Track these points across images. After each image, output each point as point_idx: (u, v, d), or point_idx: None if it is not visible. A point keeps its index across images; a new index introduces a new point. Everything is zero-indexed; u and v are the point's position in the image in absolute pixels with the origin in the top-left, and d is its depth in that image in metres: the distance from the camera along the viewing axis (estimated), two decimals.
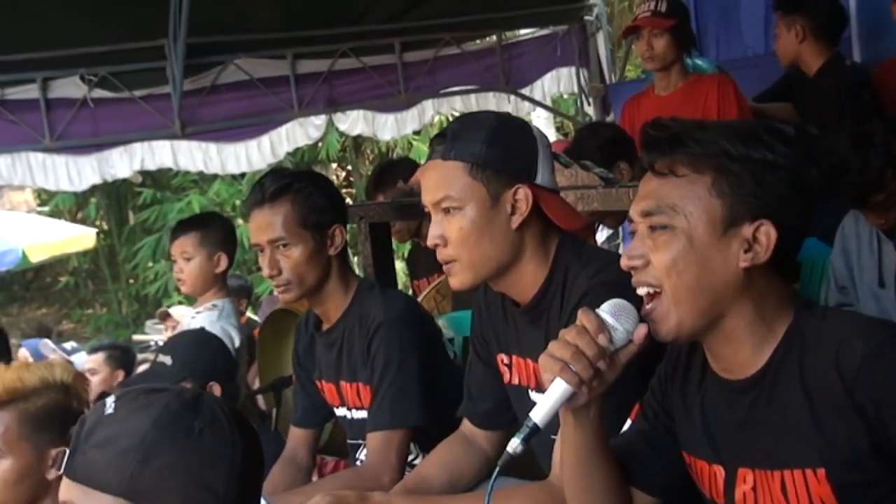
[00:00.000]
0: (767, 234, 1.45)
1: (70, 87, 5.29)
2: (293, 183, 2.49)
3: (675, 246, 1.46)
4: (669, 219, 1.47)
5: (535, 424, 1.50)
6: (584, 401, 1.53)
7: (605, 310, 1.52)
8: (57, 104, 5.27)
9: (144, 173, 10.49)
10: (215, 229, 3.67)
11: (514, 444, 1.50)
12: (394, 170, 4.39)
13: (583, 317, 1.50)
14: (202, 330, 3.19)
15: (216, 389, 2.81)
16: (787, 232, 1.46)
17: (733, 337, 1.49)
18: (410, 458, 2.53)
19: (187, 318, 3.74)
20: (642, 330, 1.51)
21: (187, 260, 3.64)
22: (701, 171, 1.47)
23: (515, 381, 2.13)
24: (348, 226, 2.72)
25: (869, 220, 2.95)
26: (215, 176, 10.75)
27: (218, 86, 5.58)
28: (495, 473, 1.53)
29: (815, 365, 1.43)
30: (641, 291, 1.51)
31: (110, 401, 1.32)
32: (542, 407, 1.50)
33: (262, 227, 2.48)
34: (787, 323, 1.48)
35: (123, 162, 5.46)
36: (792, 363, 1.46)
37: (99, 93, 5.32)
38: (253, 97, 5.70)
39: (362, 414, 2.55)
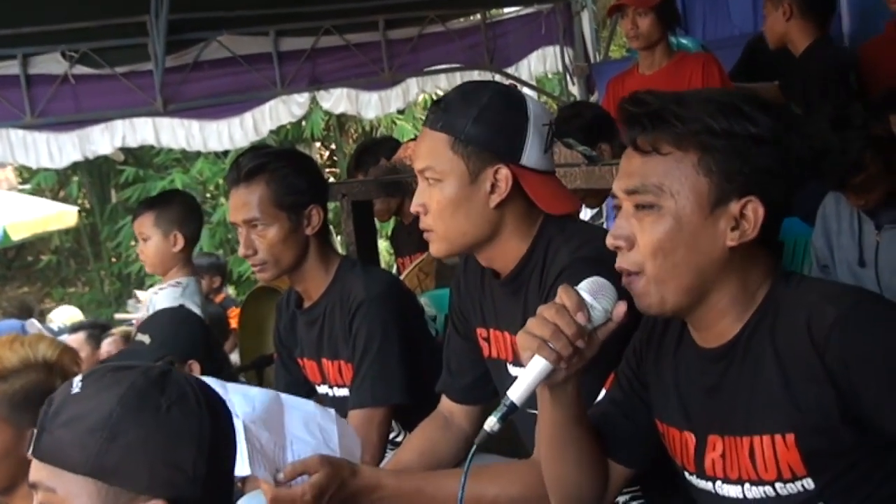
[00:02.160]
0: (755, 210, 1.43)
1: (51, 63, 5.26)
2: (269, 163, 2.47)
3: (662, 226, 1.45)
4: (656, 198, 1.45)
5: (512, 403, 1.49)
6: (562, 377, 1.53)
7: (584, 288, 1.51)
8: (38, 80, 5.25)
9: (127, 151, 10.43)
10: (171, 209, 3.68)
11: (492, 423, 1.50)
12: (375, 149, 4.37)
13: (563, 294, 1.49)
14: (181, 308, 3.18)
15: (195, 367, 2.79)
16: (774, 207, 1.45)
17: (718, 309, 1.49)
18: (392, 435, 2.53)
19: (150, 295, 3.75)
20: (621, 308, 1.50)
21: (145, 240, 3.69)
22: (685, 149, 1.45)
23: (494, 354, 2.12)
24: (333, 203, 2.71)
25: (849, 202, 2.96)
26: (198, 154, 10.70)
27: (200, 63, 5.55)
28: (472, 452, 1.53)
29: (787, 331, 1.43)
30: (624, 272, 1.50)
31: (77, 380, 1.31)
32: (520, 385, 1.50)
33: (238, 207, 2.48)
34: (765, 291, 1.48)
35: (105, 139, 5.44)
36: (764, 330, 1.46)
37: (80, 69, 5.30)
38: (235, 74, 5.69)
39: (344, 392, 2.54)
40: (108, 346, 5.55)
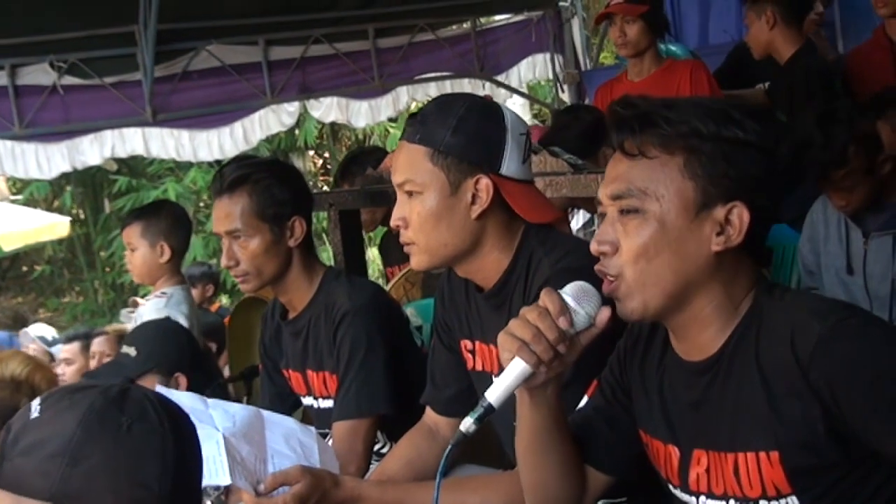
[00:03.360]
0: (740, 215, 1.42)
1: (39, 73, 5.23)
2: (252, 174, 2.46)
3: (646, 231, 1.43)
4: (640, 202, 1.44)
5: (489, 404, 1.47)
6: (542, 381, 1.51)
7: (568, 292, 1.50)
8: (26, 91, 5.22)
9: (120, 161, 10.41)
10: (159, 220, 3.68)
11: (468, 423, 1.48)
12: (362, 159, 4.36)
13: (546, 297, 1.47)
14: (168, 319, 3.16)
15: (182, 380, 2.78)
16: (760, 213, 1.43)
17: (699, 318, 1.47)
18: (377, 446, 2.52)
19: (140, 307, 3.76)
20: (605, 313, 1.49)
21: (132, 250, 3.69)
22: (672, 152, 1.43)
23: (479, 366, 2.11)
24: (322, 213, 2.70)
25: (832, 203, 2.94)
26: (191, 163, 10.68)
27: (189, 72, 5.53)
28: (447, 452, 1.51)
29: (771, 346, 1.41)
30: (606, 277, 1.48)
31: (35, 404, 1.28)
32: (499, 386, 1.48)
33: (221, 218, 2.47)
34: (749, 303, 1.46)
35: (94, 149, 5.42)
36: (748, 344, 1.44)
37: (69, 80, 5.27)
38: (225, 84, 5.67)
39: (329, 403, 2.53)
40: (98, 345, 5.52)
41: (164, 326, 3.04)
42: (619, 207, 1.46)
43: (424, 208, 1.90)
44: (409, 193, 1.92)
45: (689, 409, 1.51)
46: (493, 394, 1.48)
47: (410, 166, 1.91)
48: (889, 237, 2.88)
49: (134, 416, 1.26)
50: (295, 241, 2.48)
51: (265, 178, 2.45)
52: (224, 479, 1.93)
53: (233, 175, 2.46)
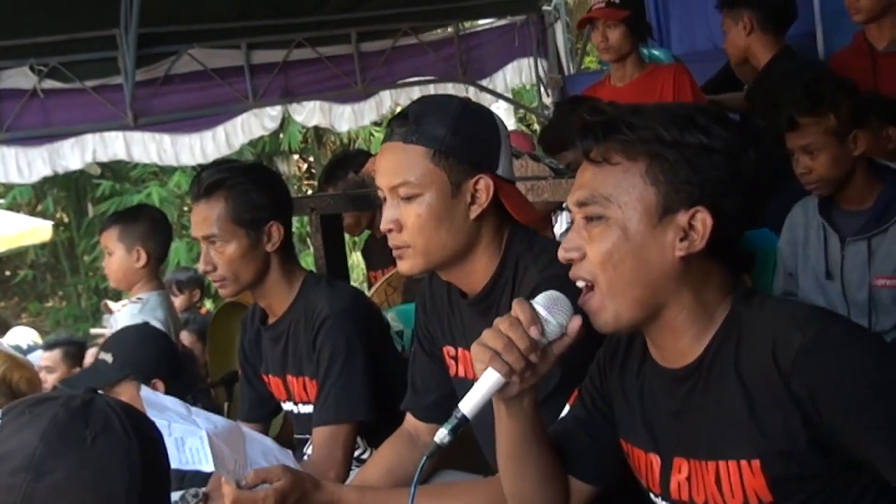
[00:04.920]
0: (703, 221, 1.41)
1: (20, 77, 5.20)
2: (228, 178, 2.45)
3: (609, 237, 1.44)
4: (603, 209, 1.44)
5: (463, 415, 1.47)
6: (516, 391, 1.51)
7: (540, 302, 1.50)
8: (6, 95, 5.19)
9: (103, 165, 10.35)
10: (136, 224, 3.66)
11: (442, 435, 1.48)
12: (346, 163, 4.34)
13: (517, 307, 1.48)
14: (146, 325, 3.14)
15: (160, 386, 2.75)
16: (725, 219, 1.42)
17: (673, 326, 1.47)
18: (357, 452, 2.50)
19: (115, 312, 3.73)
20: (576, 322, 1.48)
21: (109, 254, 3.67)
22: (634, 158, 1.44)
23: (462, 373, 2.10)
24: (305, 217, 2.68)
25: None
26: (175, 167, 10.63)
27: (171, 76, 5.51)
28: (421, 464, 1.51)
29: (752, 355, 1.40)
30: (579, 284, 1.49)
31: None
32: (472, 397, 1.48)
33: (198, 223, 2.46)
34: (726, 311, 1.46)
35: (75, 154, 5.39)
36: (728, 353, 1.44)
37: (49, 83, 5.24)
38: (207, 88, 5.65)
39: (309, 408, 2.51)
40: (46, 360, 5.48)
41: (142, 332, 3.02)
42: (584, 215, 1.47)
43: (424, 210, 1.87)
44: (404, 196, 1.89)
45: (669, 418, 1.51)
46: (467, 405, 1.48)
47: (407, 167, 1.88)
48: (864, 242, 2.88)
49: (98, 428, 1.24)
50: (272, 246, 2.46)
51: (241, 183, 2.44)
52: (208, 467, 1.97)
53: (209, 180, 2.45)
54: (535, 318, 1.47)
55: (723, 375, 1.43)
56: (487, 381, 1.47)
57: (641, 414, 1.56)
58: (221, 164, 2.59)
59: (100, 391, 1.35)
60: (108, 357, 2.81)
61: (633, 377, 1.58)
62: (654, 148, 1.42)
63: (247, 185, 2.44)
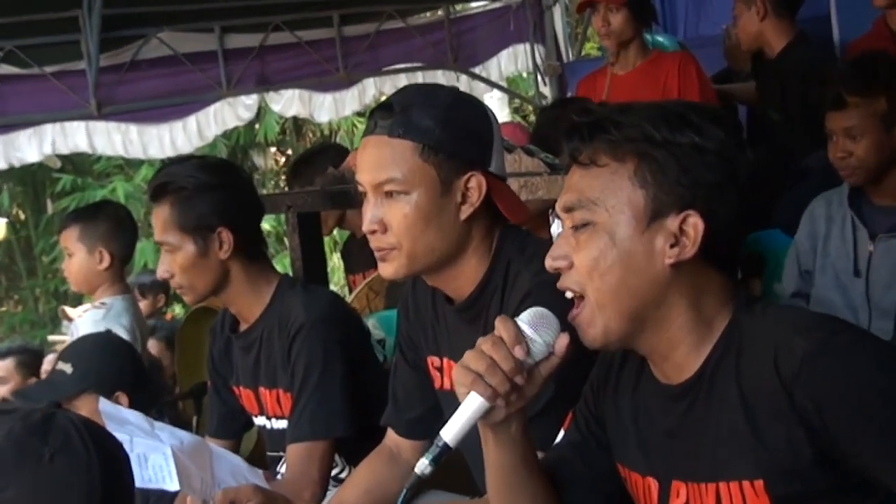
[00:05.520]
0: (695, 226, 1.42)
1: None
2: (171, 182, 2.46)
3: (596, 244, 1.44)
4: (591, 214, 1.45)
5: (445, 444, 1.47)
6: (503, 416, 1.51)
7: (525, 319, 1.49)
8: None
9: (64, 158, 10.33)
10: (98, 223, 3.64)
11: (423, 465, 1.47)
12: (314, 159, 4.33)
13: (500, 326, 1.48)
14: (108, 333, 3.13)
15: (123, 400, 2.75)
16: (719, 223, 1.43)
17: (667, 338, 1.47)
18: (335, 471, 2.51)
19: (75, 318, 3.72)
20: (563, 341, 1.48)
21: (69, 256, 3.66)
22: (622, 160, 1.44)
23: (447, 386, 2.09)
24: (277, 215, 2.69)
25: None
26: (142, 160, 10.61)
27: (138, 62, 5.51)
28: (402, 496, 1.50)
29: (753, 366, 1.41)
30: (568, 296, 1.49)
31: None
32: (455, 423, 1.47)
33: (154, 227, 2.48)
34: (725, 321, 1.46)
35: (32, 145, 5.38)
36: (728, 365, 1.44)
37: (5, 68, 5.24)
38: (177, 74, 5.66)
39: (283, 423, 2.51)
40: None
41: (103, 341, 3.01)
42: (572, 220, 1.47)
43: (412, 209, 1.87)
44: (389, 194, 1.88)
45: (665, 438, 1.51)
46: (449, 432, 1.47)
47: (393, 163, 1.87)
48: (894, 239, 2.89)
49: (57, 446, 1.24)
50: (224, 253, 2.45)
51: (185, 188, 2.44)
52: (172, 486, 1.98)
53: (155, 183, 2.48)
54: (520, 336, 1.47)
55: (723, 389, 1.44)
56: (470, 405, 1.46)
57: (636, 435, 1.56)
58: (171, 165, 2.61)
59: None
60: (67, 367, 2.80)
61: (628, 396, 1.59)
62: (643, 148, 1.43)
63: (191, 189, 2.44)
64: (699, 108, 1.48)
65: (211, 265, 2.45)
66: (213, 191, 2.46)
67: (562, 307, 1.51)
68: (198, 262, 2.44)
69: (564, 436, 1.70)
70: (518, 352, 1.46)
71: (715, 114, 1.47)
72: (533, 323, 1.49)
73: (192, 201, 2.43)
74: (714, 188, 1.42)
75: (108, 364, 2.87)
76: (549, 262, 1.49)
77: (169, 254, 2.46)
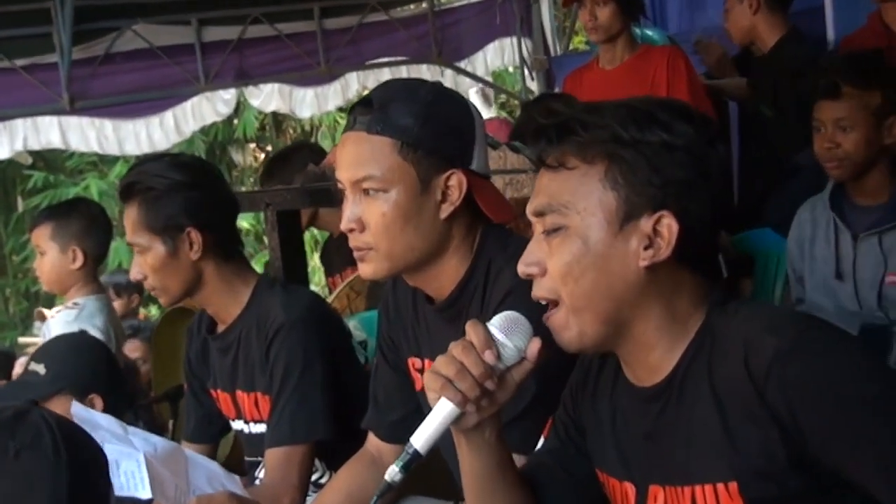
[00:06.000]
0: (669, 226, 1.43)
1: None
2: (138, 182, 2.47)
3: (568, 248, 1.45)
4: (562, 218, 1.46)
5: (415, 451, 1.48)
6: (474, 422, 1.52)
7: (496, 324, 1.51)
8: None
9: (35, 154, 10.31)
10: (71, 220, 3.65)
11: (393, 472, 1.48)
12: (291, 156, 4.33)
13: (470, 330, 1.49)
14: (83, 333, 3.13)
15: (97, 402, 2.76)
16: (693, 223, 1.44)
17: (642, 341, 1.48)
18: (315, 476, 2.51)
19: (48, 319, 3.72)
20: (535, 346, 1.50)
21: (41, 255, 3.66)
22: (592, 161, 1.45)
23: None
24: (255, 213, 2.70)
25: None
26: (116, 157, 10.59)
27: (112, 55, 5.52)
28: (372, 502, 1.52)
29: (725, 366, 1.42)
30: (542, 301, 1.50)
31: None
32: (425, 430, 1.48)
33: (126, 228, 2.49)
34: (699, 322, 1.47)
35: (2, 141, 5.39)
36: (701, 366, 1.45)
37: None
38: (153, 68, 5.66)
39: (261, 427, 2.51)
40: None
41: (78, 341, 3.01)
42: (543, 225, 1.48)
43: (390, 208, 1.88)
44: (367, 191, 1.89)
45: (642, 441, 1.52)
46: (419, 438, 1.48)
47: (371, 160, 1.88)
48: (875, 238, 2.93)
49: (25, 442, 1.25)
50: (195, 254, 2.46)
51: (152, 188, 2.45)
52: (145, 493, 1.99)
53: (123, 182, 2.49)
54: (490, 341, 1.48)
55: (696, 391, 1.45)
56: (441, 411, 1.48)
57: (613, 439, 1.57)
58: (145, 162, 2.61)
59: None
60: (40, 368, 2.81)
61: (606, 401, 1.60)
62: (612, 148, 1.44)
63: (159, 190, 2.44)
64: (668, 104, 1.49)
65: (182, 266, 2.46)
66: (181, 191, 2.46)
67: (541, 308, 1.52)
68: (168, 263, 2.45)
69: (544, 443, 1.72)
70: (488, 356, 1.47)
71: (684, 110, 1.48)
72: (504, 328, 1.50)
73: (161, 201, 2.44)
74: (685, 186, 1.43)
75: (83, 365, 2.87)
76: (522, 269, 1.50)
77: (140, 255, 2.47)
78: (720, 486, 1.42)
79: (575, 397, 1.66)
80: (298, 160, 4.16)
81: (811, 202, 3.10)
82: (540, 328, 1.51)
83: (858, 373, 1.36)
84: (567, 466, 1.65)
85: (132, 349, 4.72)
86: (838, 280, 2.99)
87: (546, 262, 1.47)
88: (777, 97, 3.83)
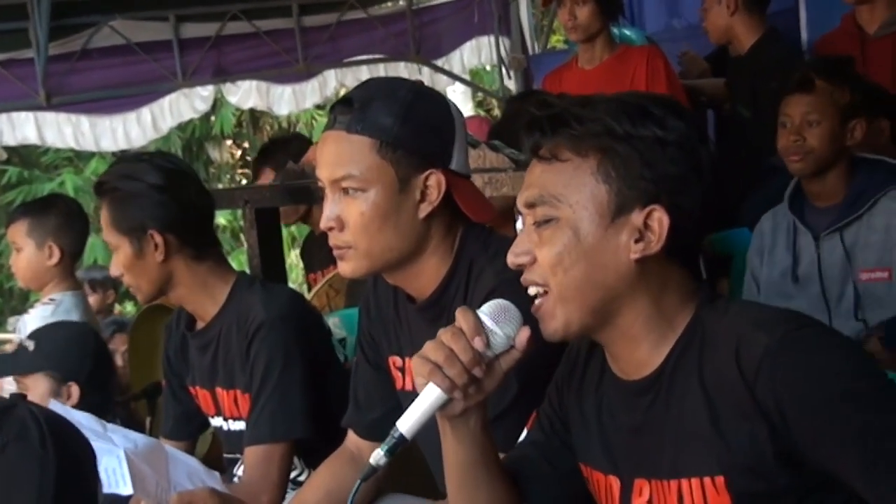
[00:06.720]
0: (660, 220, 1.45)
1: None
2: (105, 183, 2.49)
3: (560, 239, 1.46)
4: (554, 209, 1.47)
5: (401, 435, 1.49)
6: (461, 409, 1.52)
7: (486, 311, 1.51)
8: None
9: (10, 149, 10.25)
10: (48, 217, 3.66)
11: (378, 456, 1.49)
12: (284, 146, 4.35)
13: (460, 316, 1.50)
14: (83, 324, 3.18)
15: (74, 391, 2.82)
16: (684, 218, 1.46)
17: (629, 334, 1.50)
18: (294, 474, 2.51)
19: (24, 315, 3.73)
20: (524, 334, 1.50)
21: (17, 251, 3.66)
22: (585, 154, 1.47)
23: (409, 386, 2.10)
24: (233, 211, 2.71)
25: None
26: (93, 152, 10.54)
27: (89, 50, 5.49)
28: (356, 487, 1.52)
29: (715, 362, 1.43)
30: (531, 291, 1.51)
31: None
32: (411, 415, 1.49)
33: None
34: (688, 317, 1.49)
35: None
36: (691, 361, 1.46)
37: None
38: (130, 64, 5.64)
39: (240, 425, 2.51)
40: None
41: (74, 329, 3.08)
42: (534, 216, 1.49)
43: (369, 207, 1.88)
44: (347, 191, 1.89)
45: (628, 435, 1.53)
46: (406, 423, 1.49)
47: (350, 159, 1.88)
48: (836, 236, 2.96)
49: (12, 436, 1.25)
50: (161, 255, 2.45)
51: (117, 189, 2.46)
52: (126, 490, 2.00)
53: (97, 181, 2.51)
54: (480, 328, 1.48)
55: (685, 386, 1.46)
56: (428, 397, 1.48)
57: (599, 433, 1.58)
58: (121, 162, 2.64)
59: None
60: (31, 344, 2.88)
61: (592, 394, 1.61)
62: (605, 142, 1.45)
63: (123, 190, 2.46)
64: (660, 100, 1.50)
65: (149, 266, 2.47)
66: (147, 193, 2.46)
67: (526, 304, 1.52)
68: (136, 263, 2.46)
69: (527, 435, 1.71)
70: (478, 343, 1.47)
71: (676, 106, 1.50)
72: (494, 315, 1.50)
73: (125, 203, 2.45)
74: (677, 181, 1.45)
75: (71, 353, 2.92)
76: (512, 259, 1.51)
77: (113, 253, 2.49)
78: (707, 480, 1.43)
79: (560, 391, 1.67)
80: (296, 147, 4.18)
81: (772, 212, 3.14)
82: (526, 322, 1.52)
83: (847, 371, 1.38)
84: (551, 459, 1.66)
85: (119, 343, 4.71)
86: (795, 283, 3.02)
87: (536, 252, 1.48)
88: (755, 98, 3.85)
